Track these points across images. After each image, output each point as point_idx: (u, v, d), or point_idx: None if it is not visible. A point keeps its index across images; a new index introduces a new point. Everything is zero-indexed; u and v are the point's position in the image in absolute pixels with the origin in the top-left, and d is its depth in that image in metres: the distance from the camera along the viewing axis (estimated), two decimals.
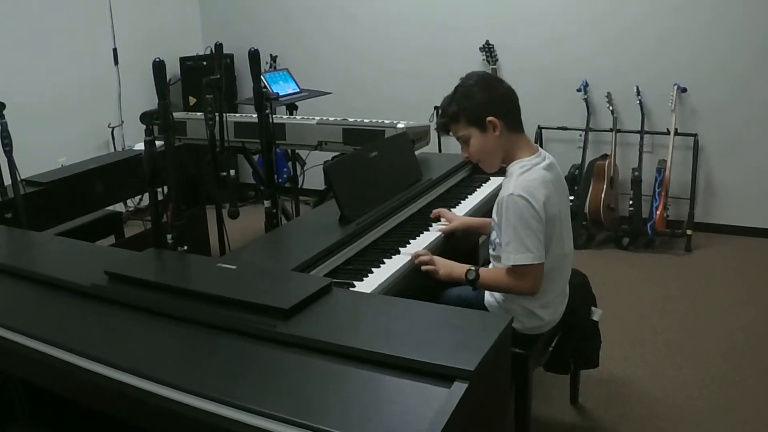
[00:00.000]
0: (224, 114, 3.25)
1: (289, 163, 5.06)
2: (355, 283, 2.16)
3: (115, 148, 5.79)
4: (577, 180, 5.01)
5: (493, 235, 2.37)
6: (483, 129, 2.26)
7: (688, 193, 4.97)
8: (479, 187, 3.20)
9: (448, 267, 2.35)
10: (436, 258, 2.38)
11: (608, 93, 5.06)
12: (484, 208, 2.97)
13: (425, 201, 2.98)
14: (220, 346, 1.66)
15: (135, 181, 3.68)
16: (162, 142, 2.41)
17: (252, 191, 6.58)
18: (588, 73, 5.15)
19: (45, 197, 3.45)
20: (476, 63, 5.38)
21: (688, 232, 4.85)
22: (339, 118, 3.69)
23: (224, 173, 3.29)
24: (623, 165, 5.11)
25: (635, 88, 4.99)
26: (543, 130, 5.22)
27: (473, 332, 1.60)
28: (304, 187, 5.65)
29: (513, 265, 2.18)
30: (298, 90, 5.07)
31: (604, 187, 4.92)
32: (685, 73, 4.91)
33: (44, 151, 4.94)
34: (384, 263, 2.33)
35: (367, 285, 2.15)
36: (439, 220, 2.75)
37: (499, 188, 3.16)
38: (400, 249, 2.45)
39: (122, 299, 1.90)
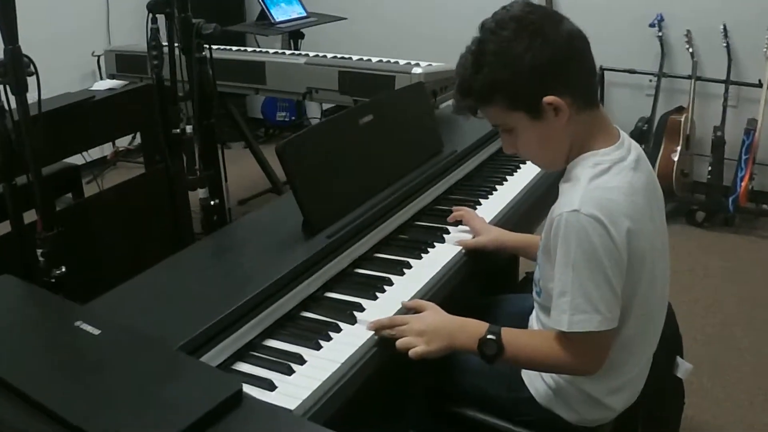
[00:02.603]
0: (175, 49, 2.36)
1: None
2: (307, 356, 1.31)
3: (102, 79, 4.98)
4: (645, 136, 4.08)
5: (537, 273, 1.49)
6: (537, 115, 1.34)
7: None
8: (517, 170, 2.23)
9: (443, 333, 1.39)
10: (420, 316, 1.44)
11: (687, 31, 4.07)
12: (524, 207, 2.04)
13: (444, 185, 2.07)
14: None
15: (89, 130, 2.97)
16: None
17: (262, 127, 5.74)
18: (664, 5, 4.14)
19: None
20: None
21: None
22: (337, 56, 2.77)
23: (177, 130, 2.42)
24: (702, 121, 4.13)
25: (722, 27, 3.98)
26: (606, 73, 4.24)
27: None
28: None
29: (566, 332, 1.31)
30: (304, 14, 4.14)
31: (679, 147, 3.97)
32: None
33: None
34: (363, 310, 1.47)
35: (320, 369, 1.29)
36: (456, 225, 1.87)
37: (547, 175, 2.24)
38: (393, 279, 1.58)
39: None
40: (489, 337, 1.36)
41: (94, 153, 4.69)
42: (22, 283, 1.47)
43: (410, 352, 1.37)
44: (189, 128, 2.43)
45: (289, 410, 1.11)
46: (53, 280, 1.54)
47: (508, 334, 1.38)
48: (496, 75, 1.32)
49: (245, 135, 3.73)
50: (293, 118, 5.53)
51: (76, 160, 3.20)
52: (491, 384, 1.56)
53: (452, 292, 1.62)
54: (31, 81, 1.54)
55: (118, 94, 3.19)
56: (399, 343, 1.39)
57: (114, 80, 3.22)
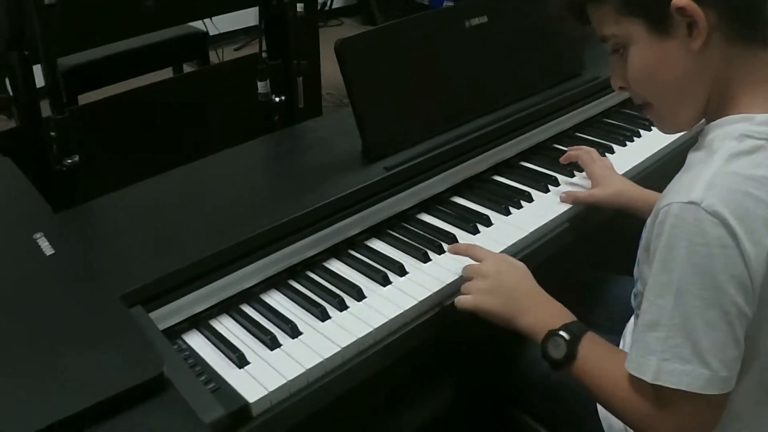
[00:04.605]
0: None
1: None
2: (305, 327, 1.00)
3: None
4: None
5: (636, 270, 1.06)
6: (661, 27, 0.89)
7: None
8: None
9: (512, 295, 1.03)
10: (502, 258, 1.10)
11: None
12: (673, 165, 1.57)
13: (572, 119, 1.63)
14: None
15: None
16: None
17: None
18: None
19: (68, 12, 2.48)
20: None
21: None
22: None
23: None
24: None
25: None
26: None
27: None
28: None
29: (653, 385, 0.87)
30: None
31: None
32: None
33: None
34: (404, 273, 1.12)
35: (312, 351, 0.96)
36: (572, 174, 1.45)
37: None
38: (459, 237, 1.21)
39: None
40: (561, 333, 0.96)
41: (248, 20, 4.51)
42: (15, 172, 1.25)
43: (456, 300, 1.04)
44: None
45: (205, 423, 0.80)
46: (64, 169, 1.31)
47: (592, 342, 0.97)
48: None
49: (373, 16, 3.37)
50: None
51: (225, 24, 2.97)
52: (559, 404, 1.18)
53: (539, 267, 1.24)
54: None
55: None
56: (463, 292, 1.06)
57: None
